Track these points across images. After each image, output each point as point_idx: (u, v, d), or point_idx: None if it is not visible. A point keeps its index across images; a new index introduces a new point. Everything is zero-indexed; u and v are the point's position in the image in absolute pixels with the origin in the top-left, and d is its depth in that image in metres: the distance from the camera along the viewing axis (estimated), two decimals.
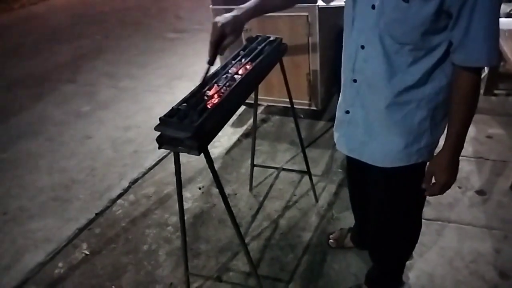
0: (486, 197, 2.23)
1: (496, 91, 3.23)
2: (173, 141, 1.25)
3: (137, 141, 3.09)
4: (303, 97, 2.62)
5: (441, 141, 1.20)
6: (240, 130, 3.10)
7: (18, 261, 2.10)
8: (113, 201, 2.45)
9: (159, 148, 1.28)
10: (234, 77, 1.47)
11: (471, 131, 2.78)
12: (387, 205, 1.42)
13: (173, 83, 4.00)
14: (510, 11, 3.48)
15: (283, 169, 2.50)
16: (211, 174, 2.73)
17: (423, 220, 2.07)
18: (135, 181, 2.61)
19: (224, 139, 3.00)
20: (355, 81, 1.22)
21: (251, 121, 3.21)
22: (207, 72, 1.34)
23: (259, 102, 3.11)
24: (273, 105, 3.18)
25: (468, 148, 2.60)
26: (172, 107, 1.26)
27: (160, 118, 1.24)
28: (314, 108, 2.74)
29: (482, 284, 1.76)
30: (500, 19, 0.99)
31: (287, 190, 2.42)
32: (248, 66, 1.55)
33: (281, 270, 1.92)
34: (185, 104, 1.28)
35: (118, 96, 3.85)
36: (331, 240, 2.01)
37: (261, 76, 1.68)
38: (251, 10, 1.29)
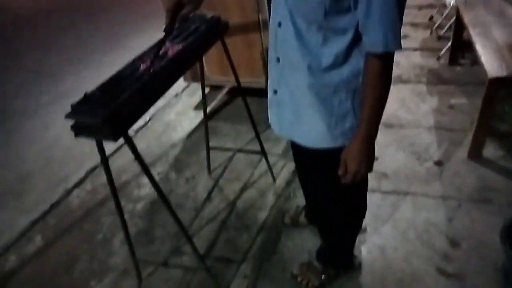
0: (444, 167, 2.21)
1: (461, 61, 3.19)
2: (89, 128, 1.20)
3: None
4: (259, 76, 2.55)
5: None
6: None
7: None
8: (69, 191, 2.41)
9: (76, 136, 1.23)
10: (161, 59, 1.41)
11: (433, 102, 2.76)
12: (319, 185, 1.40)
13: None
14: None
15: (241, 151, 2.46)
16: (170, 159, 2.71)
17: (379, 194, 2.10)
18: (92, 169, 2.56)
19: (186, 123, 2.94)
20: (278, 60, 1.18)
21: (215, 102, 3.16)
22: (161, 42, 1.31)
23: (221, 84, 3.07)
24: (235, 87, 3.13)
25: (429, 119, 2.57)
26: (85, 93, 1.20)
27: (71, 105, 1.18)
28: None
29: (432, 254, 1.76)
30: None
31: (246, 171, 2.38)
32: (177, 47, 1.48)
33: (235, 251, 1.91)
34: (99, 90, 1.23)
35: (80, 83, 3.74)
36: (286, 218, 2.00)
37: (195, 56, 1.62)
38: None
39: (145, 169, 1.36)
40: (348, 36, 1.01)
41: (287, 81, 1.19)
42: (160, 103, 3.19)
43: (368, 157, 1.13)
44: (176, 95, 3.32)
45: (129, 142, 1.28)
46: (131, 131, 2.88)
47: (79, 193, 2.39)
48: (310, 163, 1.39)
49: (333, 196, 1.41)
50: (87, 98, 1.18)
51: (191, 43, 1.52)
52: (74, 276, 1.89)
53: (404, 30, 4.14)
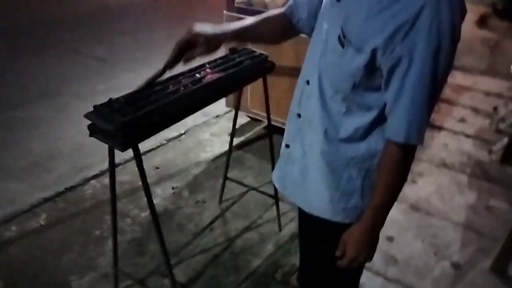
0: (460, 272, 2.03)
1: None
2: (102, 132, 1.23)
3: None
4: None
5: None
6: (236, 141, 3.03)
7: None
8: (87, 180, 2.48)
9: (90, 135, 1.27)
10: (195, 82, 1.43)
11: (470, 197, 2.58)
12: (313, 252, 1.32)
13: None
14: None
15: (253, 189, 2.42)
16: (190, 177, 2.72)
17: (382, 279, 1.96)
18: (115, 166, 2.63)
19: (217, 146, 2.97)
20: (299, 116, 1.14)
21: (250, 134, 3.17)
22: (156, 76, 1.17)
23: (259, 119, 3.08)
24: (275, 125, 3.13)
25: (460, 215, 2.40)
26: (110, 98, 1.24)
27: (94, 106, 1.22)
28: None
29: None
30: None
31: (255, 211, 2.34)
32: (216, 75, 1.51)
33: None
34: (124, 98, 1.26)
35: (135, 80, 3.92)
36: (278, 273, 1.92)
37: (231, 88, 1.64)
38: (232, 33, 1.13)
39: (145, 186, 1.35)
40: (372, 114, 0.97)
41: (303, 139, 1.14)
42: (199, 120, 3.26)
43: (370, 246, 1.06)
44: (217, 116, 3.37)
45: (137, 156, 1.29)
46: (162, 139, 2.98)
47: (95, 185, 2.46)
48: (308, 227, 1.32)
49: (324, 269, 1.33)
50: (111, 103, 1.22)
51: (229, 74, 1.53)
52: (59, 264, 1.92)
53: (463, 112, 3.97)
